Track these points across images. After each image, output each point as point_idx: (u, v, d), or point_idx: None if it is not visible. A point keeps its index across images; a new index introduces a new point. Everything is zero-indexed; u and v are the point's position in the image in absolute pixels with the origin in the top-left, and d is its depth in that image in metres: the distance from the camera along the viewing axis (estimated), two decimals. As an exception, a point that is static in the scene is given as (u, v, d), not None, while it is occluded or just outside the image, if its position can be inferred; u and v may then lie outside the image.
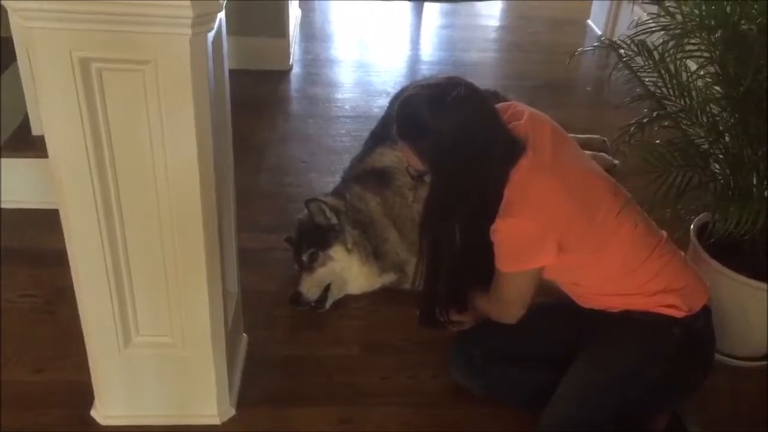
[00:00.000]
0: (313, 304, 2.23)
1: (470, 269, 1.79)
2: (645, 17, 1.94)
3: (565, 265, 1.67)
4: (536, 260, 1.66)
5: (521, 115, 1.72)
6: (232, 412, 1.86)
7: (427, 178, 1.68)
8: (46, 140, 1.42)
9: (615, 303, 1.71)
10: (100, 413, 1.82)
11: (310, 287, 2.23)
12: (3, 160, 2.54)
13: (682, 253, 1.81)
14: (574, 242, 1.63)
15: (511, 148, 1.64)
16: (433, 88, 1.61)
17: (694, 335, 1.68)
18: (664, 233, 1.75)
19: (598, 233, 1.66)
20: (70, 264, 1.57)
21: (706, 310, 1.70)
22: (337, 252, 2.27)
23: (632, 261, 1.68)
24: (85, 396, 1.81)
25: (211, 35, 1.39)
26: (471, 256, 1.74)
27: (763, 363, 2.10)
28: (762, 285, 1.93)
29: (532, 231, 1.62)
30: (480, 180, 1.64)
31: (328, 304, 2.26)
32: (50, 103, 1.37)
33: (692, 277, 1.74)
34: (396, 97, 2.89)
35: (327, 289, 2.25)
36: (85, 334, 1.68)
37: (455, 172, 1.63)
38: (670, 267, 1.70)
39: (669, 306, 1.65)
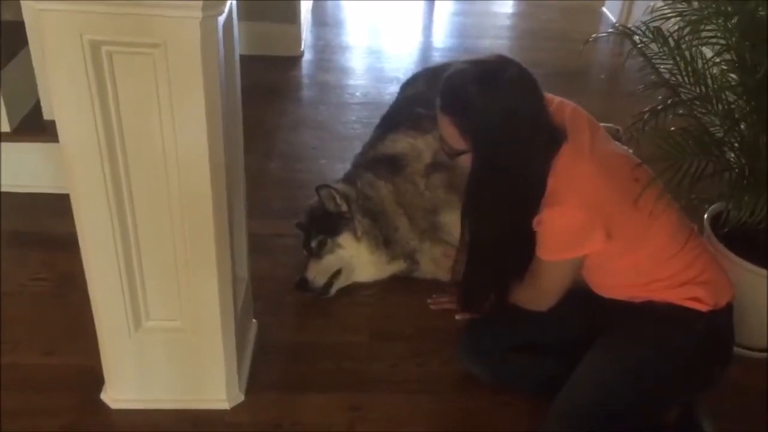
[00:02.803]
0: (318, 290, 2.23)
1: (510, 256, 1.75)
2: (660, 3, 1.92)
3: (608, 252, 1.62)
4: (582, 248, 1.62)
5: (551, 102, 1.69)
6: (241, 397, 1.86)
7: (461, 161, 1.64)
8: (57, 124, 1.42)
9: (640, 293, 1.68)
10: (109, 396, 1.83)
11: (316, 274, 2.23)
12: (15, 144, 2.54)
13: (710, 246, 1.79)
14: (619, 228, 1.59)
15: (554, 136, 1.61)
16: (485, 65, 1.56)
17: (716, 331, 1.66)
18: (694, 224, 1.72)
19: (641, 219, 1.62)
20: (81, 248, 1.57)
21: (729, 307, 1.68)
22: (345, 239, 2.26)
23: (670, 247, 1.64)
24: (95, 379, 1.83)
25: (221, 19, 1.38)
26: (512, 243, 1.70)
27: (776, 354, 2.08)
28: (776, 275, 1.91)
29: (580, 218, 1.58)
30: (523, 164, 1.60)
31: (332, 291, 2.25)
32: (61, 86, 1.36)
33: (720, 271, 1.71)
34: (408, 83, 2.90)
35: (333, 275, 2.25)
36: (95, 318, 1.69)
37: (498, 154, 1.58)
38: (702, 258, 1.68)
39: (695, 299, 1.62)
